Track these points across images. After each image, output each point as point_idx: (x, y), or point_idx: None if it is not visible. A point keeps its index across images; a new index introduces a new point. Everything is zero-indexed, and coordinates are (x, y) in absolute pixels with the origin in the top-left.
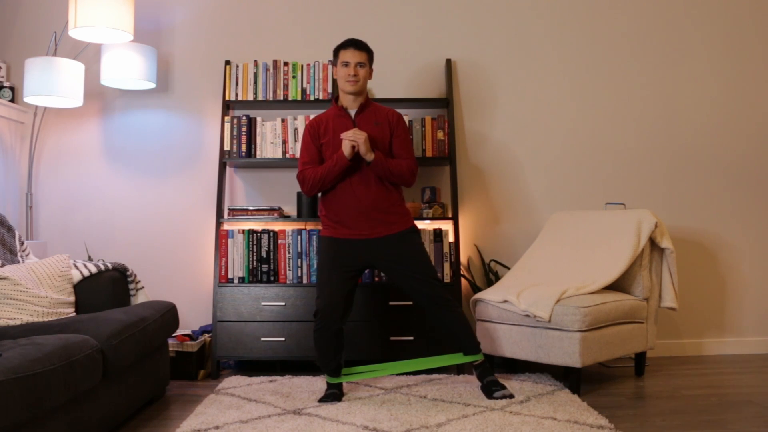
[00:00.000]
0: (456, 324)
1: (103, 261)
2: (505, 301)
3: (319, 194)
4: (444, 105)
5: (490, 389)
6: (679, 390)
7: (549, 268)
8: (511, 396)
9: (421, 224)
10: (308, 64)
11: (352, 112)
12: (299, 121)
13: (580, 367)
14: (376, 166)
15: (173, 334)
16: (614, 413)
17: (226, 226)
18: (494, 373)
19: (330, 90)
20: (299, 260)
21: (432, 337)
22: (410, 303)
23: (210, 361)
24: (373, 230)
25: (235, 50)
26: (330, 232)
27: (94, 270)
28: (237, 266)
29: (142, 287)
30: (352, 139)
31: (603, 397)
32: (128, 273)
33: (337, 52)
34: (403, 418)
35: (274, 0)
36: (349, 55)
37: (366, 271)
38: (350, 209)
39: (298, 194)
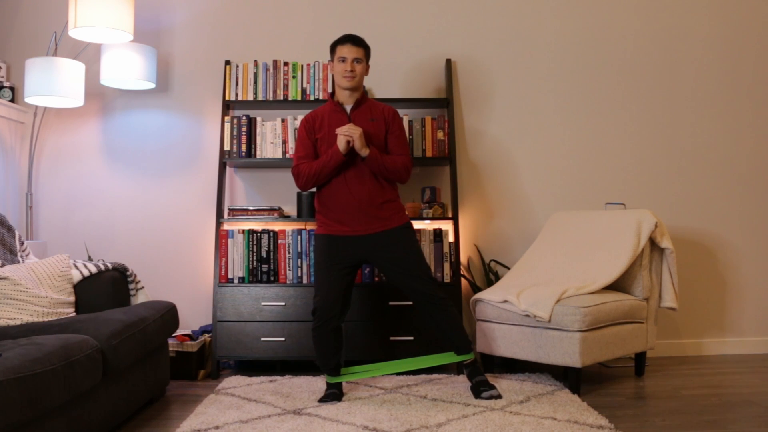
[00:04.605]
0: (448, 323)
1: (103, 261)
2: (505, 301)
3: (315, 190)
4: (444, 105)
5: (479, 389)
6: (679, 390)
7: (549, 268)
8: (499, 396)
9: (421, 224)
10: (308, 64)
11: (348, 108)
12: (299, 121)
13: (580, 367)
14: (371, 162)
15: (173, 334)
16: (614, 413)
17: (226, 226)
18: (484, 373)
19: (330, 90)
20: (299, 260)
21: (431, 336)
22: (410, 303)
23: (210, 361)
24: (369, 226)
25: (235, 50)
26: (325, 229)
27: (94, 270)
28: (237, 266)
29: (142, 287)
30: (347, 134)
31: (603, 397)
32: (128, 273)
33: (333, 47)
34: (403, 418)
35: (274, 0)
36: (346, 51)
37: (366, 271)
38: (345, 205)
39: (298, 194)
